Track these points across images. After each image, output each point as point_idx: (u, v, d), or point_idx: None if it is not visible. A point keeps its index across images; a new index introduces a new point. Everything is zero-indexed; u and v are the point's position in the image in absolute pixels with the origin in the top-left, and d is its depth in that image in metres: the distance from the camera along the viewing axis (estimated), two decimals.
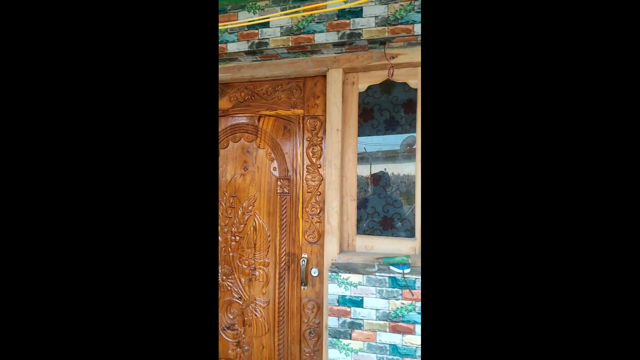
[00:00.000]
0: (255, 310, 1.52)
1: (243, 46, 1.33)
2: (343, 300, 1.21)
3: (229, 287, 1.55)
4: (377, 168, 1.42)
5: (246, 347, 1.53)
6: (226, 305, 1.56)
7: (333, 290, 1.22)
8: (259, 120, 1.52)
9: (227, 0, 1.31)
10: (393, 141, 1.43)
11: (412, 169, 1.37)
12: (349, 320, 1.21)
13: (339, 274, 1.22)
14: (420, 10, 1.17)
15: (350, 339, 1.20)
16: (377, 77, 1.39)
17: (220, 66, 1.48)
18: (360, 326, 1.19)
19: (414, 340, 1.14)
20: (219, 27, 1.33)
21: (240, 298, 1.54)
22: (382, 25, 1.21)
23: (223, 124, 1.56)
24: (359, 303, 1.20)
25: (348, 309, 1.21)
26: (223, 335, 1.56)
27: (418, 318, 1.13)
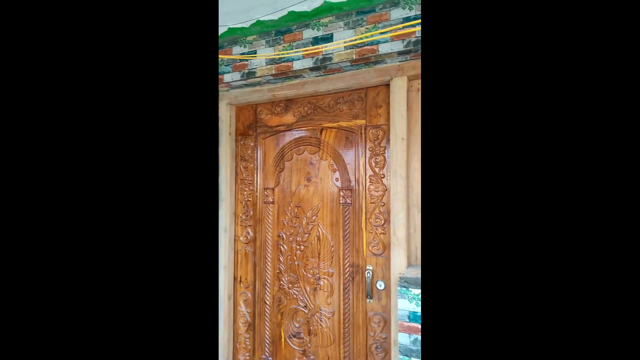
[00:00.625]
0: (321, 320, 1.53)
1: (308, 63, 1.38)
2: (414, 317, 1.16)
3: (294, 295, 1.59)
4: None
5: (312, 357, 1.54)
6: (292, 313, 1.60)
7: (403, 305, 1.18)
8: (321, 133, 1.56)
9: (293, 20, 1.38)
10: None
11: None
12: (420, 337, 1.15)
13: (409, 289, 1.17)
14: None
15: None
16: None
17: (285, 83, 1.56)
18: None
19: None
20: (285, 45, 1.42)
21: (305, 307, 1.57)
22: None
23: (288, 138, 1.64)
24: None
25: (420, 326, 1.15)
26: (289, 342, 1.60)
27: None
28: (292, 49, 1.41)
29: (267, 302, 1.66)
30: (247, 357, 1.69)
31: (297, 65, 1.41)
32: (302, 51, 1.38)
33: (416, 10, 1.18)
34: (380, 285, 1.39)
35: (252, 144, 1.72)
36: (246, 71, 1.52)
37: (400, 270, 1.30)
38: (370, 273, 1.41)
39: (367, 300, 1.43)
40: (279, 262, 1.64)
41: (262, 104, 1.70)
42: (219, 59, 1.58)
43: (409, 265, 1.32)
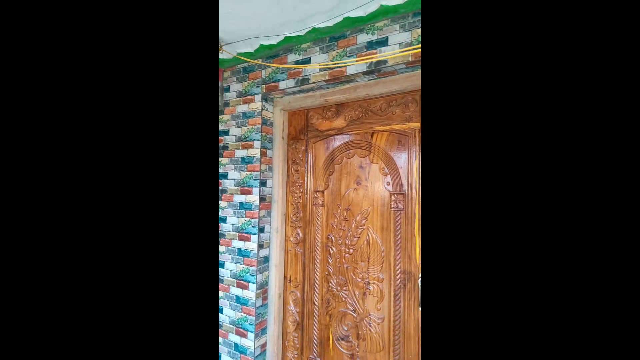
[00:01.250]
0: (370, 325, 1.51)
1: (362, 67, 1.39)
2: None
3: (343, 298, 1.60)
4: None
5: None
6: (340, 316, 1.60)
7: None
8: (372, 136, 1.56)
9: (347, 26, 1.41)
10: None
11: None
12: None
13: None
14: None
15: None
16: None
17: (337, 88, 1.59)
18: None
19: None
20: (338, 51, 1.44)
21: (354, 310, 1.56)
22: None
23: (338, 141, 1.66)
24: None
25: None
26: (337, 345, 1.60)
27: None
28: (345, 55, 1.44)
29: (316, 303, 1.68)
30: (296, 355, 1.73)
31: (350, 70, 1.42)
32: (356, 56, 1.40)
33: None
34: None
35: (303, 148, 1.77)
36: (300, 78, 1.58)
37: None
38: None
39: (419, 309, 1.38)
40: (327, 264, 1.66)
41: (313, 109, 1.74)
42: (275, 68, 1.66)
43: None
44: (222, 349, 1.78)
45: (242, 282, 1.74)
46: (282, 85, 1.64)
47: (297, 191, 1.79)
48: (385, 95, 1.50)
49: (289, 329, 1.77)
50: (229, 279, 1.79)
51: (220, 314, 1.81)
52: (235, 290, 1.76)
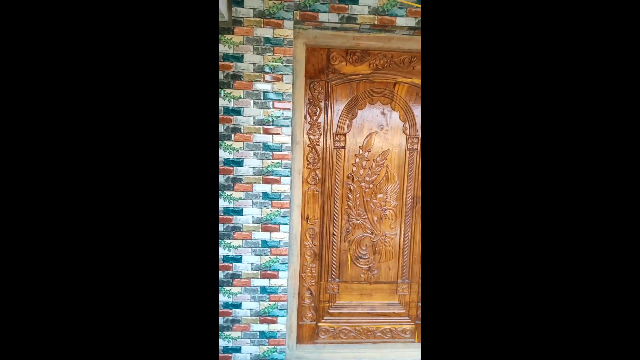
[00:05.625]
0: (385, 242, 1.92)
1: (411, 22, 1.57)
2: None
3: (362, 225, 1.91)
4: None
5: (375, 271, 1.95)
6: (359, 241, 1.92)
7: None
8: (394, 87, 1.81)
9: None
10: None
11: None
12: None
13: None
14: None
15: None
16: None
17: (372, 35, 1.68)
18: None
19: None
20: (390, 1, 1.54)
21: (372, 232, 1.92)
22: None
23: (362, 88, 1.80)
24: None
25: None
26: (355, 263, 1.94)
27: None
28: (396, 5, 1.55)
29: (335, 234, 1.91)
30: (313, 283, 1.94)
31: (400, 22, 1.57)
32: (406, 10, 1.55)
33: None
34: None
35: (323, 89, 1.78)
36: (346, 15, 1.55)
37: None
38: None
39: None
40: (347, 200, 1.88)
41: (336, 49, 1.75)
42: None
43: None
44: (244, 341, 1.70)
45: (268, 272, 1.68)
46: (323, 17, 1.55)
47: (315, 133, 1.82)
48: (414, 51, 1.75)
49: (306, 262, 1.92)
50: (250, 272, 1.68)
51: (239, 309, 1.69)
52: (260, 282, 1.68)
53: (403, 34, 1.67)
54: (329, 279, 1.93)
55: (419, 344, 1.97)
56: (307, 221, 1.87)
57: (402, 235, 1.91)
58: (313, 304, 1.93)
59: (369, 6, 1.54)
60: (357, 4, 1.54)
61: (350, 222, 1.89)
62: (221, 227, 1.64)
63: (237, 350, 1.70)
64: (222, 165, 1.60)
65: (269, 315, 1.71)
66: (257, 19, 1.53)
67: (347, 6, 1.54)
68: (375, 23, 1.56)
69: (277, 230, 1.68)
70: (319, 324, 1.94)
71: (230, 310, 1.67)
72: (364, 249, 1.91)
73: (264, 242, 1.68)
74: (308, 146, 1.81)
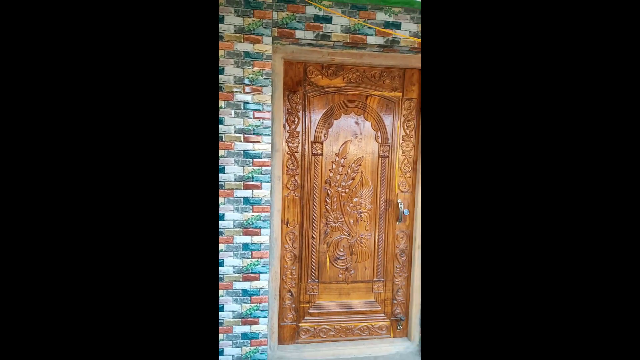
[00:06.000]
0: (360, 243, 2.05)
1: (380, 40, 1.74)
2: None
3: (339, 227, 2.02)
4: None
5: (352, 271, 2.06)
6: (337, 242, 2.03)
7: None
8: (366, 99, 1.96)
9: (370, 1, 1.68)
10: None
11: None
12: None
13: None
14: None
15: None
16: None
17: (345, 51, 1.83)
18: None
19: None
20: (360, 20, 1.70)
21: (349, 234, 2.03)
22: None
23: (337, 99, 1.94)
24: None
25: None
26: (334, 264, 2.04)
27: None
28: (365, 26, 1.71)
29: (314, 237, 2.01)
30: (293, 285, 2.02)
31: (370, 40, 1.73)
32: (376, 29, 1.72)
33: None
34: (406, 212, 2.03)
35: (300, 100, 1.90)
36: (321, 33, 1.69)
37: None
38: (402, 204, 2.02)
39: (397, 223, 2.05)
40: (325, 204, 2.00)
41: (312, 64, 1.88)
42: (289, 14, 1.66)
43: None
44: (226, 343, 1.75)
45: (250, 275, 1.75)
46: (299, 34, 1.68)
47: (294, 141, 1.93)
48: (383, 66, 1.92)
49: (286, 264, 2.00)
50: (232, 275, 1.74)
51: (221, 312, 1.74)
52: (241, 285, 1.74)
53: (373, 51, 1.83)
54: (309, 280, 2.02)
55: (394, 339, 2.09)
56: (287, 225, 1.96)
57: (376, 237, 2.04)
58: (294, 305, 2.01)
59: (341, 25, 1.69)
60: (331, 23, 1.68)
61: (329, 225, 2.00)
62: None
63: (220, 353, 1.74)
64: None
65: (251, 317, 1.77)
66: (238, 35, 1.63)
67: (321, 25, 1.67)
68: (348, 40, 1.71)
69: (258, 234, 1.75)
70: (300, 324, 2.01)
71: None
72: (341, 250, 2.02)
73: (245, 246, 1.75)
74: (287, 153, 1.91)
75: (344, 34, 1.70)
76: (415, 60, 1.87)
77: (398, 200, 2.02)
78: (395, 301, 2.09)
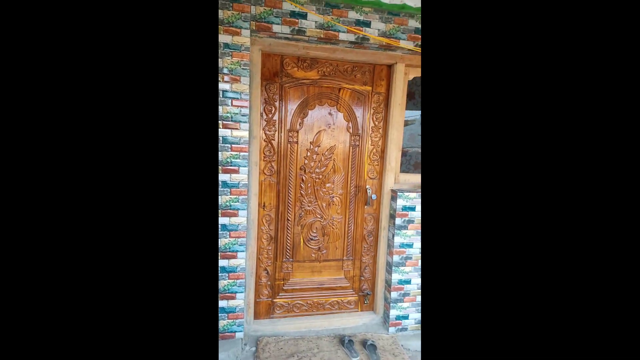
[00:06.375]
0: (332, 225, 2.22)
1: (351, 37, 1.88)
2: (405, 208, 2.09)
3: (313, 211, 2.18)
4: (410, 130, 2.29)
5: (324, 251, 2.24)
6: (310, 224, 2.19)
7: (401, 203, 2.08)
8: (339, 91, 2.11)
9: (343, 0, 1.82)
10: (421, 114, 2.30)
11: None
12: (407, 219, 2.11)
13: (405, 193, 2.08)
14: None
15: (407, 229, 2.11)
16: (419, 73, 2.19)
17: (319, 45, 1.96)
18: (412, 222, 2.11)
19: None
20: (333, 17, 1.84)
21: (322, 217, 2.20)
22: None
23: (311, 91, 2.07)
24: (413, 209, 2.10)
25: (407, 213, 2.10)
26: (307, 245, 2.21)
27: None
28: (338, 22, 1.85)
29: (290, 219, 2.16)
30: (269, 263, 2.17)
31: (342, 37, 1.87)
32: (347, 27, 1.86)
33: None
34: (374, 197, 2.23)
35: (277, 91, 2.03)
36: (297, 28, 1.82)
37: (390, 186, 2.18)
38: (370, 190, 2.21)
39: (365, 207, 2.24)
40: (300, 189, 2.15)
41: (289, 56, 2.01)
42: (267, 9, 1.77)
43: (395, 183, 2.22)
44: None
45: (228, 253, 1.87)
46: (276, 28, 1.80)
47: (271, 129, 2.06)
48: (354, 61, 2.07)
49: (263, 245, 2.14)
50: None
51: None
52: (220, 262, 1.85)
53: (345, 47, 1.98)
54: (284, 259, 2.17)
55: (361, 313, 2.31)
56: (263, 208, 2.10)
57: (347, 219, 2.22)
58: (269, 282, 2.16)
59: (316, 22, 1.82)
60: (306, 19, 1.80)
61: (303, 209, 2.16)
62: None
63: None
64: None
65: (229, 292, 1.90)
66: (218, 27, 1.72)
67: (297, 20, 1.79)
68: (322, 36, 1.84)
69: (236, 215, 1.88)
70: (275, 300, 2.17)
71: None
72: (314, 231, 2.19)
73: (224, 227, 1.87)
74: (264, 141, 2.04)
75: (318, 30, 1.83)
76: (384, 57, 2.04)
77: (367, 186, 2.21)
78: (362, 278, 2.29)
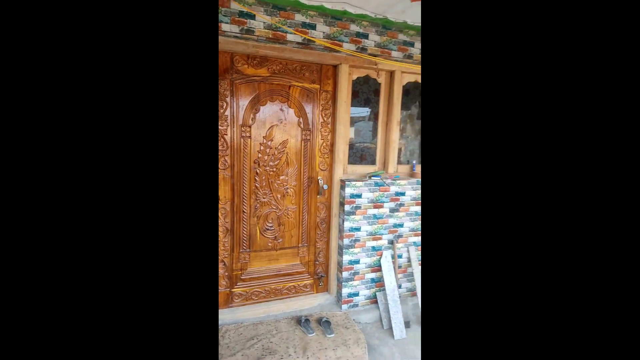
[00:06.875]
0: (288, 215, 2.37)
1: (298, 38, 2.03)
2: (353, 195, 2.31)
3: (268, 202, 2.30)
4: (356, 125, 2.51)
5: (280, 239, 2.37)
6: (266, 216, 2.31)
7: (349, 191, 2.29)
8: (289, 89, 2.25)
9: (289, 4, 1.95)
10: (365, 111, 2.54)
11: (370, 125, 2.55)
12: (354, 205, 2.33)
13: (352, 182, 2.30)
14: (396, 43, 2.27)
15: (355, 215, 2.34)
16: (362, 73, 2.41)
17: (269, 45, 2.07)
18: (359, 207, 2.34)
19: (385, 212, 2.41)
20: (281, 19, 1.97)
21: (277, 208, 2.33)
22: (377, 47, 2.24)
23: (262, 87, 2.18)
24: (360, 196, 2.33)
25: (355, 200, 2.32)
26: (263, 235, 2.32)
27: (387, 200, 2.39)
28: (286, 24, 1.98)
29: (245, 211, 2.25)
30: (226, 255, 2.25)
31: (290, 37, 2.01)
32: (294, 29, 2.00)
33: (365, 30, 2.15)
34: (325, 187, 2.42)
35: (228, 87, 2.10)
36: (245, 27, 1.91)
37: (339, 176, 2.38)
38: (322, 180, 2.40)
39: (317, 197, 2.42)
40: (255, 182, 2.25)
41: (239, 54, 2.09)
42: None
43: (343, 173, 2.43)
44: None
45: None
46: (226, 27, 1.87)
47: (223, 124, 2.13)
48: (302, 61, 2.22)
49: (219, 237, 2.21)
50: None
51: None
52: None
53: (293, 47, 2.11)
54: (241, 250, 2.26)
55: (317, 294, 2.49)
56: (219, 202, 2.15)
57: (301, 209, 2.38)
58: (227, 273, 2.23)
59: (264, 22, 1.92)
60: (254, 20, 1.90)
61: (258, 201, 2.26)
62: None
63: None
64: None
65: None
66: None
67: (246, 20, 1.88)
68: (270, 36, 1.95)
69: None
70: (233, 290, 2.26)
71: None
72: (270, 222, 2.31)
73: None
74: (217, 135, 2.09)
75: (267, 30, 1.93)
76: (329, 58, 2.22)
77: (318, 177, 2.38)
78: (317, 262, 2.48)
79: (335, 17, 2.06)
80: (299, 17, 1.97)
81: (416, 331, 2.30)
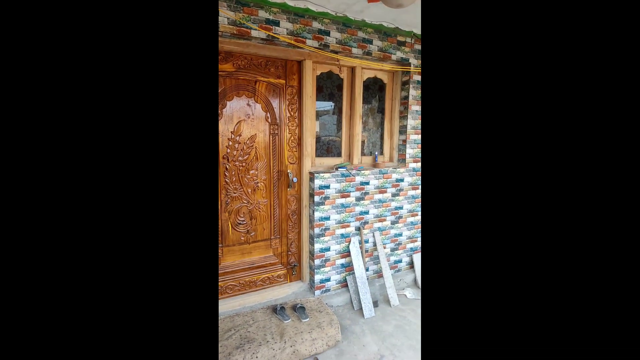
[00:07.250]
0: (259, 209, 2.42)
1: (262, 35, 2.07)
2: (321, 187, 2.43)
3: (239, 197, 2.34)
4: (322, 119, 2.62)
5: (253, 233, 2.42)
6: (237, 210, 2.34)
7: (318, 183, 2.40)
8: (255, 84, 2.29)
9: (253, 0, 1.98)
10: (329, 105, 2.66)
11: (335, 118, 2.68)
12: (323, 196, 2.46)
13: (320, 174, 2.41)
14: (356, 40, 2.40)
15: (324, 205, 2.46)
16: (325, 68, 2.52)
17: (233, 40, 2.09)
18: (328, 198, 2.47)
19: (351, 201, 2.56)
20: (244, 15, 2.00)
21: (248, 202, 2.37)
22: (338, 43, 2.35)
23: (228, 82, 2.19)
24: (328, 187, 2.45)
25: (324, 191, 2.44)
26: (236, 229, 2.36)
27: (353, 189, 2.54)
28: (250, 20, 2.02)
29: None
30: None
31: (254, 34, 2.04)
32: (259, 25, 2.04)
33: (327, 27, 2.25)
34: (295, 179, 2.51)
35: None
36: None
37: (308, 169, 2.49)
38: (291, 174, 2.48)
39: (288, 189, 2.50)
40: (225, 177, 2.27)
41: None
42: None
43: (312, 166, 2.53)
44: None
45: None
46: None
47: None
48: (267, 56, 2.26)
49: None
50: None
51: None
52: None
53: (258, 43, 2.14)
54: None
55: (291, 283, 2.59)
56: None
57: (272, 202, 2.44)
58: None
59: (228, 18, 1.93)
60: (219, 16, 1.90)
61: (229, 196, 2.28)
62: None
63: None
64: None
65: None
66: None
67: None
68: (235, 32, 1.97)
69: None
70: None
71: None
72: (242, 216, 2.34)
73: None
74: None
75: (231, 26, 1.95)
76: (294, 54, 2.28)
77: (288, 171, 2.46)
78: (289, 252, 2.57)
79: (298, 14, 2.13)
80: (262, 14, 2.01)
81: (384, 310, 2.51)
